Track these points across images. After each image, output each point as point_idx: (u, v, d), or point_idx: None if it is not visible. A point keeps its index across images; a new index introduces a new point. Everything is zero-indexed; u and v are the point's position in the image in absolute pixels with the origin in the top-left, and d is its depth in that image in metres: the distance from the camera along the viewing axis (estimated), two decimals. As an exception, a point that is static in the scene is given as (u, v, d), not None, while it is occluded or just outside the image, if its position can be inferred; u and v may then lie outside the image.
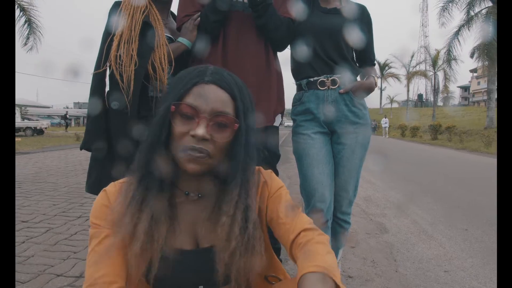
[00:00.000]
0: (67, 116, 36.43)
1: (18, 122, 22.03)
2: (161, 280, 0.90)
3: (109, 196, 0.90)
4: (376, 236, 3.30)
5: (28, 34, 15.18)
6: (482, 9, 20.80)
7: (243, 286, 0.91)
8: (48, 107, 58.37)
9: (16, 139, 17.05)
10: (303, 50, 1.72)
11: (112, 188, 0.92)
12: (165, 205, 0.89)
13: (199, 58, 1.65)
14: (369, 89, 1.80)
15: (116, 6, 1.62)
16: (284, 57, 1.88)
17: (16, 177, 5.60)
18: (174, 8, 1.79)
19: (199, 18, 1.64)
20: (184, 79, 0.89)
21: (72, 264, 2.38)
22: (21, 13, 14.83)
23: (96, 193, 0.94)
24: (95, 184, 1.58)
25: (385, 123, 27.72)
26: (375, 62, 1.96)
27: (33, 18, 15.18)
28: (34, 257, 2.49)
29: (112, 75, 1.54)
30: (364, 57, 1.86)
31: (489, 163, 9.68)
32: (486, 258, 2.78)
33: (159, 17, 1.62)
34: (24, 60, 21.82)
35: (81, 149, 1.62)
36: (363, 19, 1.82)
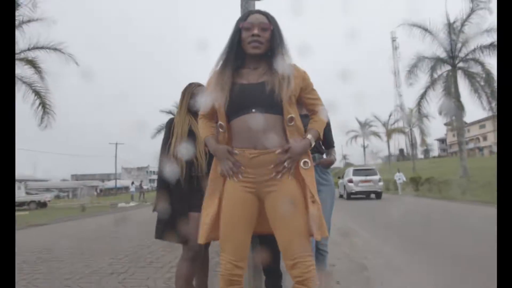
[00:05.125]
0: (142, 185, 36.19)
1: (23, 196, 22.58)
2: (231, 104, 1.71)
3: (213, 75, 1.85)
4: (357, 273, 4.10)
5: (42, 115, 16.68)
6: (443, 72, 23.08)
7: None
8: (46, 180, 58.65)
9: (23, 213, 17.52)
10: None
11: (214, 72, 1.84)
12: (235, 63, 1.80)
13: None
14: (331, 163, 2.76)
15: (170, 121, 2.57)
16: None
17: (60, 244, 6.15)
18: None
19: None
20: (242, 16, 1.85)
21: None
22: (36, 97, 16.37)
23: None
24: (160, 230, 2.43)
25: (399, 178, 22.77)
26: (334, 144, 2.89)
27: (47, 101, 16.70)
28: None
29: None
30: (327, 142, 2.81)
31: (462, 209, 10.56)
32: None
33: (197, 125, 2.44)
34: (23, 135, 22.77)
35: (153, 211, 2.45)
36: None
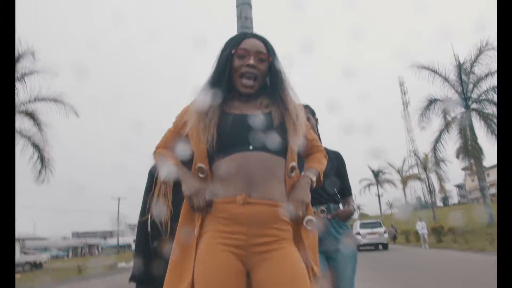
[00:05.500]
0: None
1: (18, 257, 21.33)
2: (220, 138, 1.34)
3: (193, 102, 1.45)
4: None
5: (40, 169, 16.14)
6: (456, 114, 22.32)
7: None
8: (45, 239, 57.33)
9: (16, 275, 16.41)
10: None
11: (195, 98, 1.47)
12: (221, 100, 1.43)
13: None
14: (350, 215, 2.29)
15: (152, 170, 1.91)
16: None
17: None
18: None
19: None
20: (234, 38, 1.50)
21: None
22: (34, 149, 16.01)
23: None
24: None
25: (422, 228, 20.28)
26: (352, 192, 2.46)
27: (46, 155, 16.32)
28: None
29: (153, 222, 1.81)
30: (343, 190, 2.36)
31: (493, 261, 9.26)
32: None
33: None
34: (22, 190, 22.24)
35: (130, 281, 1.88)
36: (339, 163, 2.35)
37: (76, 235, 71.41)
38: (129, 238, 56.49)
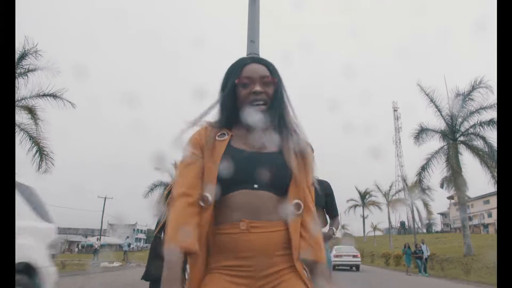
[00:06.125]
0: (96, 247, 33.29)
1: None
2: (226, 175, 1.25)
3: (200, 131, 1.37)
4: None
5: (39, 162, 16.67)
6: (444, 145, 22.98)
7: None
8: (24, 230, 56.14)
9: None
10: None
11: (202, 128, 1.39)
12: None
13: None
14: (329, 238, 2.51)
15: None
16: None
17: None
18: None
19: None
20: (234, 66, 1.41)
21: None
22: (33, 144, 16.47)
23: None
24: None
25: (423, 252, 19.17)
26: (338, 214, 2.79)
27: (45, 147, 16.76)
28: None
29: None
30: (330, 212, 2.61)
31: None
32: None
33: None
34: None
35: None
36: (327, 193, 2.61)
37: (58, 230, 70.30)
38: (111, 239, 55.68)
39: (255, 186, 1.25)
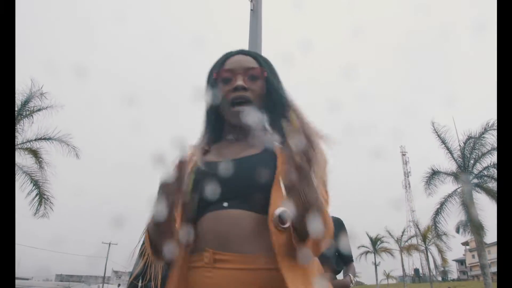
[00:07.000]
0: None
1: None
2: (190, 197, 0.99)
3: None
4: None
5: (38, 206, 16.16)
6: (457, 188, 22.34)
7: None
8: (27, 279, 54.84)
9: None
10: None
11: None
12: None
13: None
14: (346, 287, 2.20)
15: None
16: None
17: None
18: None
19: None
20: (217, 61, 1.17)
21: None
22: (34, 187, 16.09)
23: None
24: None
25: None
26: (353, 259, 2.46)
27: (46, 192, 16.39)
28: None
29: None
30: (344, 257, 2.31)
31: None
32: None
33: None
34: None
35: None
36: (340, 230, 2.32)
37: (60, 277, 68.70)
38: (114, 286, 53.84)
39: (224, 204, 0.97)
